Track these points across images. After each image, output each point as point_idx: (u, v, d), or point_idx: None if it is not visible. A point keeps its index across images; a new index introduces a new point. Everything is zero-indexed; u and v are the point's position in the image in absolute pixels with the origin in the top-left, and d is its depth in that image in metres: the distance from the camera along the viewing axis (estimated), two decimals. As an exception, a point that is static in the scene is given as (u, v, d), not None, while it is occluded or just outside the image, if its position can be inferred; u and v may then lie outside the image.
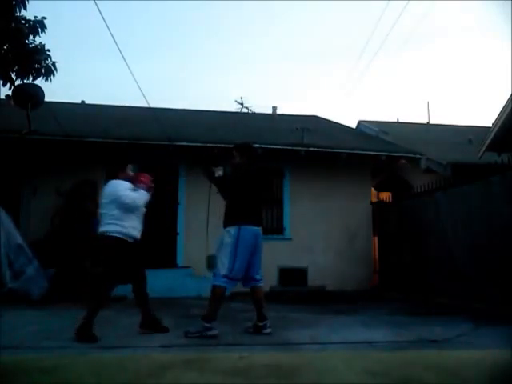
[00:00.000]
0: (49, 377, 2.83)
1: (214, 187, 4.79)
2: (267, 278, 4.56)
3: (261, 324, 4.41)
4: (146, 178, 4.49)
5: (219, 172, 4.50)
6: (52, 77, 6.98)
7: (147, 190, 4.43)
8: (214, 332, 4.16)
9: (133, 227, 4.28)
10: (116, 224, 4.20)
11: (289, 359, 3.44)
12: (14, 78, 6.94)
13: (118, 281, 4.27)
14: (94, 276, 4.56)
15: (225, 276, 4.23)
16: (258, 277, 4.47)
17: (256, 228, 4.40)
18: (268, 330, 4.38)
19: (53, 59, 6.96)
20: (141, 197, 4.35)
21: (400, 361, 3.40)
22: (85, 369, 3.06)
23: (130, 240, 4.25)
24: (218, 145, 8.02)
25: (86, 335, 3.95)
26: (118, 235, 4.19)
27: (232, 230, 4.29)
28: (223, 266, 4.24)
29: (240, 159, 4.60)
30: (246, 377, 2.89)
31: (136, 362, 3.31)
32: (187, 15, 50.30)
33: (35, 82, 7.11)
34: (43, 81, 7.02)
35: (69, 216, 7.65)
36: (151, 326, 4.42)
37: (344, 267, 8.92)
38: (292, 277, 8.84)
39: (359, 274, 8.95)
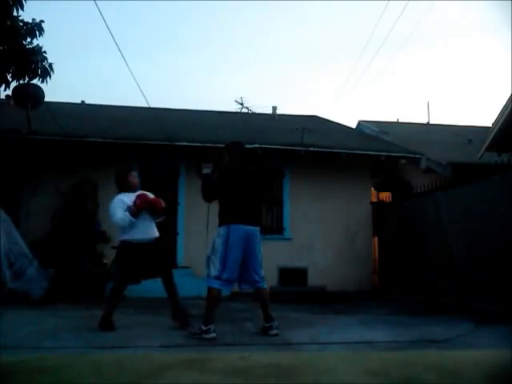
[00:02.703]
0: (49, 377, 2.83)
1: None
2: (267, 278, 4.51)
3: (267, 325, 4.31)
4: (141, 198, 4.72)
5: (206, 169, 4.38)
6: (48, 78, 6.91)
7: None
8: (211, 335, 4.04)
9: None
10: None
11: (289, 359, 3.43)
12: (10, 79, 6.87)
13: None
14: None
15: (217, 277, 4.14)
16: (258, 278, 4.33)
17: (249, 227, 4.23)
18: (274, 332, 4.25)
19: (50, 60, 6.88)
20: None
21: (400, 361, 3.39)
22: (85, 369, 3.06)
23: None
24: (218, 145, 7.98)
25: (105, 325, 4.41)
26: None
27: (221, 229, 4.21)
28: (214, 267, 4.16)
29: (229, 159, 4.49)
30: (246, 377, 2.88)
31: (136, 361, 3.31)
32: (187, 15, 50.33)
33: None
34: (39, 82, 6.96)
35: (69, 216, 7.65)
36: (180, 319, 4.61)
37: (344, 267, 8.92)
38: (292, 277, 8.83)
39: (359, 274, 8.96)
